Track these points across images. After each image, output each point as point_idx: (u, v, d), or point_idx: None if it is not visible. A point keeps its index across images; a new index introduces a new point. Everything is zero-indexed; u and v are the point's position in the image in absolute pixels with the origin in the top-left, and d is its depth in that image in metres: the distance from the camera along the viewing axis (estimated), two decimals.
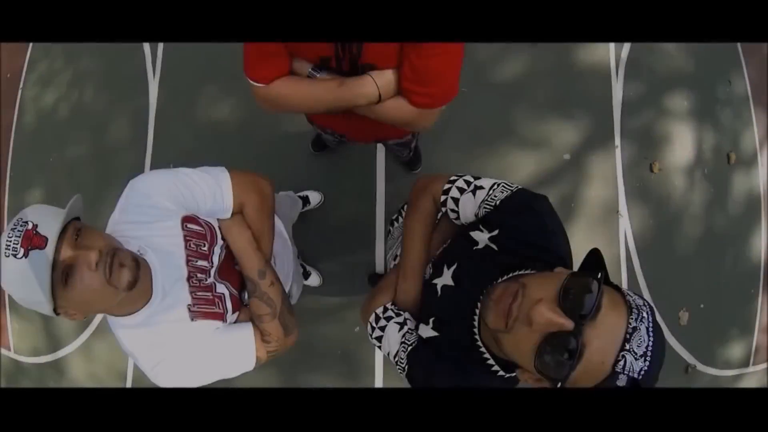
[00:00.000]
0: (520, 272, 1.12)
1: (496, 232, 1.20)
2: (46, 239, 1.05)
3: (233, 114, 3.57)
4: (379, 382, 3.46)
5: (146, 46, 3.83)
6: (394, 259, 1.66)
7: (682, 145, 3.96)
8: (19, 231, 1.06)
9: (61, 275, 1.09)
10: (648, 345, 0.85)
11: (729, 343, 4.20)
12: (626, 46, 3.96)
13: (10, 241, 1.05)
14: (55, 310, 1.15)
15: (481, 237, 1.22)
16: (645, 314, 0.88)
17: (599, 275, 0.91)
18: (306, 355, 3.42)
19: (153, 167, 3.59)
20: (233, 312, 1.44)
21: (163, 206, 1.30)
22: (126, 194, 1.31)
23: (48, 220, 1.09)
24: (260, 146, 3.49)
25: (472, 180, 1.32)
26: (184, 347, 1.30)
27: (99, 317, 3.77)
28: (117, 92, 3.89)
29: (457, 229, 1.37)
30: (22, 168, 4.28)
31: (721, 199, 4.07)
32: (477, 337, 1.16)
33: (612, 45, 3.93)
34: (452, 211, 1.32)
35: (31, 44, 4.50)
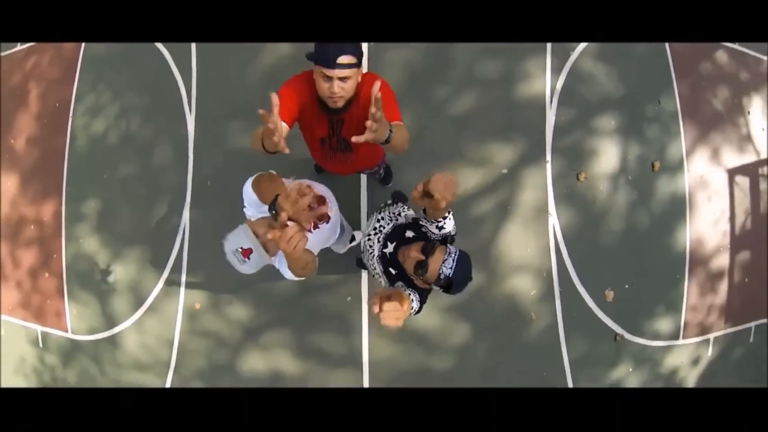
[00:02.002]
0: (415, 242, 2.46)
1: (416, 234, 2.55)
2: (251, 249, 2.13)
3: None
4: (365, 337, 4.80)
5: (182, 86, 5.15)
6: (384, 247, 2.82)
7: (607, 157, 4.98)
8: (238, 253, 2.09)
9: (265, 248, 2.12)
10: (453, 264, 2.15)
11: (656, 319, 5.17)
12: (560, 79, 5.02)
13: (237, 258, 2.11)
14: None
15: (410, 234, 2.56)
16: (453, 253, 2.17)
17: (436, 243, 2.23)
18: (312, 317, 4.83)
19: (194, 184, 4.99)
20: None
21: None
22: (246, 192, 2.37)
23: (241, 238, 2.13)
24: (279, 166, 4.88)
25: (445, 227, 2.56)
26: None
27: (151, 299, 5.11)
28: (160, 124, 4.96)
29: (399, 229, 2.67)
30: (78, 183, 5.20)
31: (644, 200, 5.04)
32: (402, 266, 2.47)
33: (548, 78, 5.01)
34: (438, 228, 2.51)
35: (77, 78, 5.35)
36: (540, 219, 4.77)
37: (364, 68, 4.56)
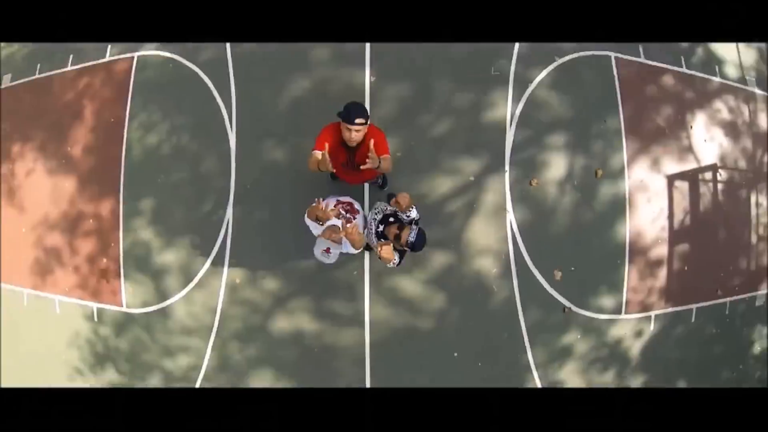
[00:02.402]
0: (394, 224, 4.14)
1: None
2: (329, 248, 4.29)
3: (287, 154, 6.55)
4: (367, 302, 6.37)
5: (223, 110, 6.52)
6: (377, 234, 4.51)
7: (557, 167, 6.37)
8: (324, 253, 4.28)
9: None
10: (414, 235, 3.86)
11: (600, 296, 6.50)
12: (519, 106, 6.47)
13: (324, 256, 4.29)
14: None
15: (392, 219, 4.25)
16: (414, 229, 3.89)
17: (405, 223, 3.93)
18: (326, 287, 6.40)
19: (236, 188, 6.10)
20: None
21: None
22: (306, 222, 4.30)
23: (322, 244, 4.27)
24: (303, 176, 6.48)
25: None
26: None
27: (198, 277, 6.42)
28: (206, 140, 6.10)
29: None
30: (134, 185, 6.22)
31: (588, 200, 6.39)
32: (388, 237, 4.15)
33: (509, 105, 6.45)
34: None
35: (129, 99, 6.33)
36: (499, 215, 6.23)
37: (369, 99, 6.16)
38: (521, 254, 6.22)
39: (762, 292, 7.60)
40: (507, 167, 6.22)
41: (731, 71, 7.42)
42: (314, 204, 3.93)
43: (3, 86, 6.82)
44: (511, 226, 6.22)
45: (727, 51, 7.43)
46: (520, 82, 6.34)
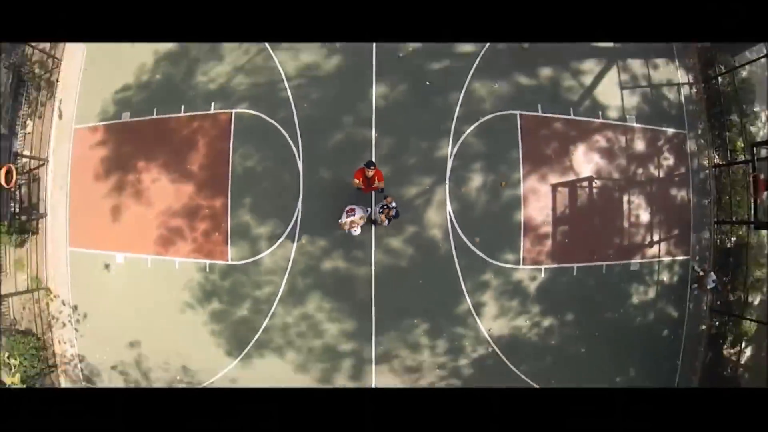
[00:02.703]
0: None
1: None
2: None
3: (332, 174, 11.69)
4: (373, 251, 11.70)
5: (292, 145, 12.33)
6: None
7: (477, 180, 11.29)
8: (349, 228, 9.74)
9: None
10: (394, 213, 9.65)
11: (505, 254, 11.28)
12: (456, 146, 11.53)
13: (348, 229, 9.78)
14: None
15: (382, 208, 9.75)
16: (394, 210, 9.60)
17: (391, 209, 9.55)
18: (352, 244, 11.74)
19: (303, 192, 12.21)
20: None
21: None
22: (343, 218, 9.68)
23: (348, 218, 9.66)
24: (344, 187, 11.45)
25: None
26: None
27: (280, 240, 12.38)
28: (282, 164, 10.55)
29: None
30: (237, 188, 10.56)
31: (496, 199, 11.24)
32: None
33: (450, 147, 11.56)
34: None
35: (231, 138, 11.70)
36: (443, 206, 11.25)
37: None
38: (456, 227, 11.18)
39: (636, 261, 11.84)
40: (447, 181, 11.27)
41: (613, 113, 11.81)
42: (342, 219, 9.27)
43: (122, 120, 11.38)
44: (449, 212, 11.26)
45: (612, 98, 11.77)
46: (457, 133, 11.34)
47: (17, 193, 11.16)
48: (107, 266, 11.21)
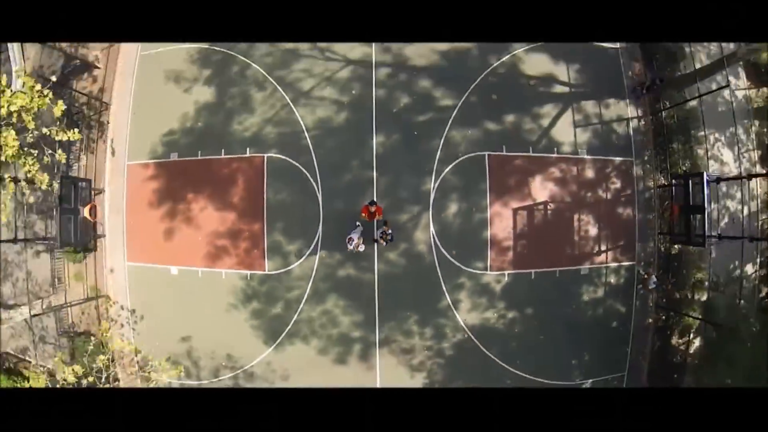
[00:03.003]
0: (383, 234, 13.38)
1: None
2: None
3: (345, 205, 15.38)
4: (375, 262, 15.37)
5: (312, 182, 16.04)
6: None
7: (453, 208, 14.71)
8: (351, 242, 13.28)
9: None
10: (390, 237, 13.48)
11: (475, 262, 14.76)
12: (438, 182, 14.99)
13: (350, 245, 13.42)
14: None
15: (381, 233, 13.48)
16: (389, 235, 13.31)
17: (388, 234, 13.17)
18: (359, 257, 15.45)
19: (323, 218, 15.88)
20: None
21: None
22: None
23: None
24: (353, 215, 15.12)
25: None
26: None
27: (305, 254, 16.15)
28: (306, 196, 14.31)
29: None
30: (272, 217, 14.44)
31: (468, 221, 14.66)
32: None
33: (432, 181, 15.01)
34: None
35: (265, 176, 17.33)
36: (427, 227, 14.79)
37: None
38: (437, 243, 14.65)
39: (586, 266, 15.04)
40: (431, 209, 14.72)
41: (567, 148, 14.93)
42: (349, 248, 12.95)
43: (171, 159, 15.07)
44: (432, 233, 14.74)
45: (567, 135, 14.87)
46: (438, 171, 14.73)
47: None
48: (163, 277, 14.79)
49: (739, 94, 15.96)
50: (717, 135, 15.68)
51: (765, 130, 15.88)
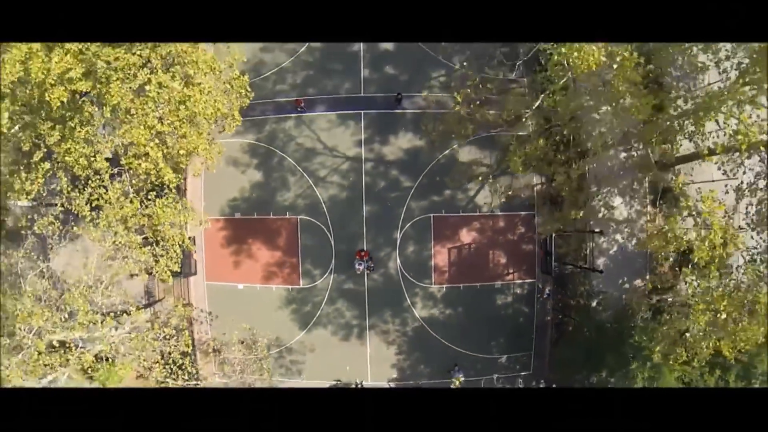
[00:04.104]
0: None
1: None
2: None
3: (348, 245, 25.21)
4: (365, 282, 25.26)
5: (326, 230, 25.82)
6: None
7: (411, 248, 24.25)
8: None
9: None
10: (372, 265, 23.23)
11: (424, 279, 24.32)
12: (400, 234, 24.49)
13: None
14: None
15: (364, 266, 23.65)
16: (371, 265, 23.29)
17: (371, 265, 23.23)
18: (357, 279, 25.33)
19: (336, 254, 25.63)
20: None
21: None
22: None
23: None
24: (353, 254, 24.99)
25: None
26: None
27: (324, 276, 26.00)
28: (326, 244, 24.36)
29: None
30: (305, 255, 24.06)
31: (421, 259, 24.14)
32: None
33: (398, 233, 24.52)
34: None
35: (299, 231, 27.24)
36: (395, 260, 24.35)
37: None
38: (401, 269, 24.22)
39: (499, 282, 24.18)
40: (397, 249, 24.30)
41: (485, 209, 23.94)
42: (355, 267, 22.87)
43: (235, 216, 25.05)
44: (399, 263, 24.36)
45: (485, 200, 23.81)
46: (402, 227, 24.11)
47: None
48: (232, 291, 25.29)
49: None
50: (608, 189, 23.34)
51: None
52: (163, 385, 20.28)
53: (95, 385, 20.11)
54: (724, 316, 16.27)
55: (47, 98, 13.11)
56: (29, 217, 18.11)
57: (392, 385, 24.30)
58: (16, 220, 20.86)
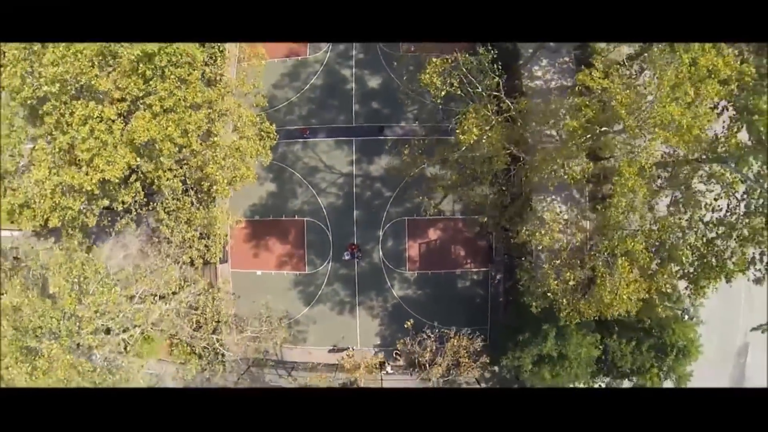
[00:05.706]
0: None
1: None
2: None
3: (341, 241, 32.32)
4: (355, 268, 32.45)
5: (329, 235, 33.05)
6: None
7: (391, 243, 31.41)
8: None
9: None
10: (359, 254, 30.57)
11: (401, 267, 31.47)
12: (381, 233, 31.65)
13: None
14: None
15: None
16: (358, 255, 30.56)
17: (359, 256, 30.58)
18: (349, 265, 32.59)
19: (333, 250, 32.86)
20: None
21: None
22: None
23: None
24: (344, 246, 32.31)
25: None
26: None
27: (325, 263, 33.19)
28: (326, 240, 32.70)
29: None
30: (310, 248, 32.10)
31: (397, 253, 31.27)
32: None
33: (380, 232, 31.68)
34: None
35: (305, 230, 34.53)
36: (378, 251, 31.49)
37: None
38: (383, 258, 31.36)
39: (459, 270, 31.24)
40: (380, 243, 31.47)
41: (448, 213, 31.01)
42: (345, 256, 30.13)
43: (254, 219, 33.36)
44: (381, 254, 31.53)
45: (449, 207, 30.85)
46: (383, 227, 31.32)
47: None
48: (252, 276, 32.90)
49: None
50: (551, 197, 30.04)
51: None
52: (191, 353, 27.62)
53: (137, 360, 25.50)
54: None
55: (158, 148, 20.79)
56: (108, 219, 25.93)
57: (377, 350, 31.29)
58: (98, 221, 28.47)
